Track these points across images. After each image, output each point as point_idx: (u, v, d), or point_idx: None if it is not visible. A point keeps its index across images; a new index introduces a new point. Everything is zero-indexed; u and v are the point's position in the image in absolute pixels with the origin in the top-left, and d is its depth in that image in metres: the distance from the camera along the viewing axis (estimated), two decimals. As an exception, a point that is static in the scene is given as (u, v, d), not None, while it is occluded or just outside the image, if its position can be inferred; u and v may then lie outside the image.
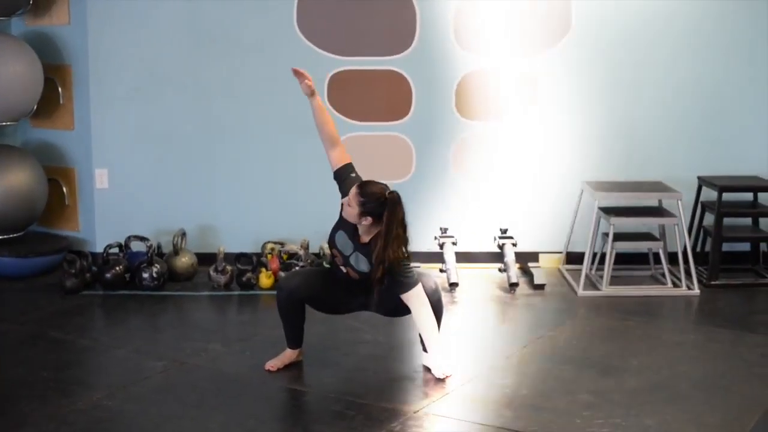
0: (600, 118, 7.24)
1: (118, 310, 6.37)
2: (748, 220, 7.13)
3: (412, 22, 7.06)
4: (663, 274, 6.88)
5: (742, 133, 7.25)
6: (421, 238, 7.02)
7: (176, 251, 6.87)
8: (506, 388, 5.01)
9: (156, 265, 6.66)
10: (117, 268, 6.66)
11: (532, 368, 5.32)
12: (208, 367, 5.28)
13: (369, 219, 4.90)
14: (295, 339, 5.25)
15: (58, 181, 7.27)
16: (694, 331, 6.02)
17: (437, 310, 5.17)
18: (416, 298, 5.04)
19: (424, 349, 5.26)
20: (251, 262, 6.82)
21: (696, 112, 7.21)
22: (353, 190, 4.87)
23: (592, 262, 7.07)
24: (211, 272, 6.73)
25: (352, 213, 4.92)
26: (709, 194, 7.04)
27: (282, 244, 7.02)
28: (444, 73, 7.16)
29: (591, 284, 6.77)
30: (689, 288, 6.69)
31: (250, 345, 5.65)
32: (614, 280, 6.72)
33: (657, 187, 6.95)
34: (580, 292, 6.65)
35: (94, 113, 7.13)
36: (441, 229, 7.06)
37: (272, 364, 5.25)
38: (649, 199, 6.97)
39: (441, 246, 6.95)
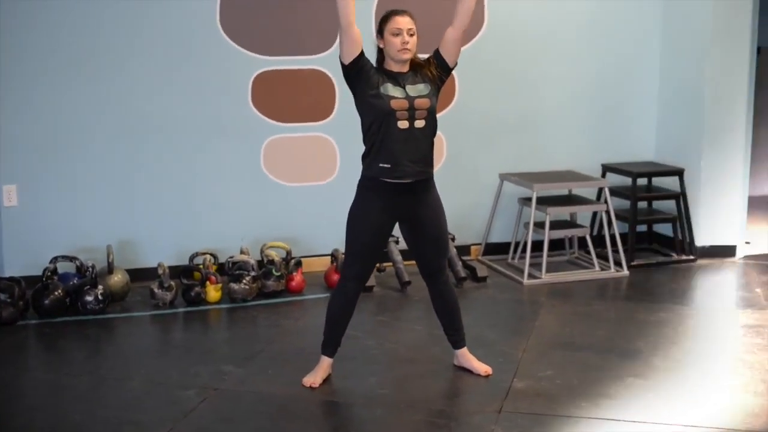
0: (511, 112, 7.47)
1: (78, 339, 5.83)
2: (644, 204, 7.57)
3: (335, 19, 6.91)
4: (587, 259, 7.26)
5: (633, 122, 7.72)
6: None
7: (110, 269, 6.37)
8: (555, 379, 5.11)
9: (99, 286, 6.15)
10: (56, 293, 6.09)
11: (558, 358, 5.44)
12: (244, 391, 4.97)
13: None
14: (337, 344, 5.06)
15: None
16: (658, 309, 6.33)
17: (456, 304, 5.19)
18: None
19: (456, 346, 5.23)
20: (190, 275, 6.46)
21: (595, 104, 7.63)
22: (397, 21, 4.74)
23: (515, 251, 7.29)
24: (155, 289, 6.31)
25: (407, 41, 4.74)
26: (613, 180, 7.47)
27: (213, 254, 6.69)
28: (366, 72, 7.07)
29: (521, 272, 6.96)
30: (618, 270, 7.03)
31: (264, 362, 5.39)
32: (539, 267, 6.93)
33: (576, 176, 7.27)
34: (525, 281, 6.83)
35: (-5, 124, 6.43)
36: (378, 228, 6.98)
37: (313, 380, 5.03)
38: (576, 188, 7.25)
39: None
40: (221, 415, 4.70)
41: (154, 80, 6.64)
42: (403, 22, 4.68)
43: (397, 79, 4.75)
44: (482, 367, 5.19)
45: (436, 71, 4.83)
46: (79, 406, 4.76)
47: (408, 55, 4.73)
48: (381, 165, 4.76)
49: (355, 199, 4.97)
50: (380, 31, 4.75)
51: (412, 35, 4.71)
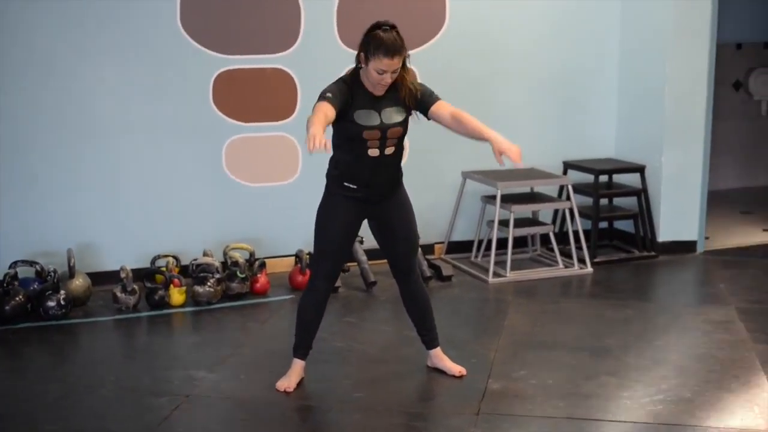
0: (472, 110, 7.37)
1: (42, 346, 5.72)
2: (605, 200, 7.60)
3: (297, 18, 6.87)
4: (550, 257, 7.29)
5: (593, 119, 7.75)
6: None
7: (71, 274, 6.25)
8: (530, 379, 5.10)
9: (62, 291, 6.03)
10: (17, 299, 5.95)
11: (531, 357, 5.44)
12: (217, 397, 4.90)
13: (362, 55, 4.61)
14: (309, 346, 5.00)
15: None
16: (625, 306, 6.36)
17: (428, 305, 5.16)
18: (448, 105, 4.84)
19: (429, 346, 5.20)
20: (153, 278, 6.36)
21: (556, 102, 7.65)
22: (384, 62, 4.51)
23: (478, 250, 7.28)
24: (118, 293, 6.20)
25: (387, 82, 4.61)
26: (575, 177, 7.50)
27: (176, 257, 6.59)
28: (328, 71, 6.98)
29: (485, 271, 6.95)
30: (581, 267, 7.05)
31: (235, 367, 5.30)
32: (503, 265, 6.93)
33: (539, 174, 7.28)
34: (491, 279, 6.82)
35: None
36: (342, 228, 6.92)
37: (287, 385, 4.97)
38: (539, 186, 7.26)
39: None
40: (196, 423, 4.63)
41: (114, 80, 6.51)
42: (390, 65, 4.51)
43: (374, 102, 4.66)
44: (456, 368, 5.16)
45: (413, 104, 4.75)
46: (50, 415, 4.64)
47: (382, 92, 4.67)
48: (348, 185, 4.76)
49: (323, 199, 4.93)
50: (366, 54, 4.55)
51: (394, 73, 4.59)
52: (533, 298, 6.52)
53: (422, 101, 4.74)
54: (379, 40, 4.50)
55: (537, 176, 7.20)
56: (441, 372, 5.17)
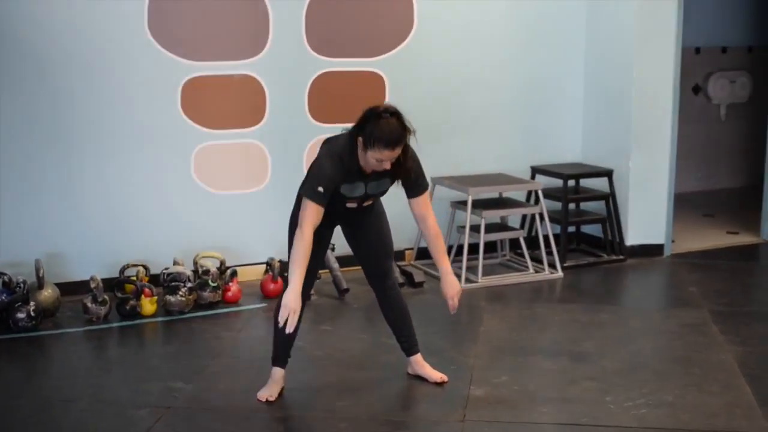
0: (440, 116, 7.45)
1: (14, 358, 5.59)
2: (572, 205, 7.62)
3: (265, 24, 6.82)
4: (519, 262, 7.32)
5: (560, 124, 7.78)
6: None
7: (40, 284, 6.13)
8: (512, 385, 5.09)
9: (31, 302, 5.91)
10: (-14, 311, 5.83)
11: (510, 363, 5.43)
12: (198, 408, 4.83)
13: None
14: (287, 355, 4.94)
15: None
16: (598, 310, 6.37)
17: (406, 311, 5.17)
18: (430, 204, 4.85)
19: (409, 353, 5.17)
20: (123, 288, 6.27)
21: (523, 107, 7.67)
22: (384, 153, 4.45)
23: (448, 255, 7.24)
24: (88, 304, 6.09)
25: (386, 168, 4.56)
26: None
27: (145, 266, 6.50)
28: (297, 77, 7.00)
29: (457, 277, 6.89)
30: (552, 272, 7.07)
31: (213, 377, 5.23)
32: (474, 271, 6.93)
33: (509, 179, 7.30)
34: (463, 285, 6.79)
35: None
36: (314, 235, 6.87)
37: (269, 394, 4.92)
38: (510, 191, 7.26)
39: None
40: (180, 435, 4.55)
41: (81, 87, 6.41)
42: (391, 155, 4.45)
43: (363, 175, 4.61)
44: (437, 375, 5.14)
45: (402, 181, 4.73)
46: (27, 431, 4.53)
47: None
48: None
49: (295, 207, 4.86)
50: (364, 141, 4.43)
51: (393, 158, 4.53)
52: (507, 303, 6.52)
53: (411, 187, 4.73)
54: (379, 131, 4.39)
55: (507, 181, 7.20)
56: (422, 379, 5.14)
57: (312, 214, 4.47)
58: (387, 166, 4.51)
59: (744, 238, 8.09)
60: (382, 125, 4.40)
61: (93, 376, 5.29)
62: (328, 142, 4.68)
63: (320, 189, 4.48)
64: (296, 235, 4.49)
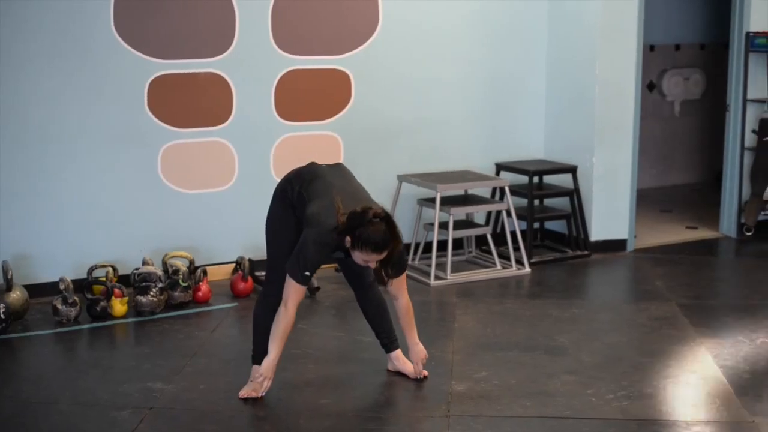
0: (406, 114, 7.47)
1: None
2: (537, 201, 7.68)
3: (232, 22, 6.78)
4: (486, 258, 7.36)
5: (524, 121, 7.83)
6: (261, 244, 6.83)
7: (9, 286, 6.03)
8: (492, 380, 5.12)
9: (1, 304, 5.82)
10: (-45, 314, 5.72)
11: (488, 358, 5.46)
12: (181, 409, 4.79)
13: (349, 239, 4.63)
14: (267, 352, 4.87)
15: None
16: (569, 305, 6.45)
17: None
18: (405, 285, 4.98)
19: (389, 349, 5.18)
20: (90, 289, 6.21)
21: (487, 104, 7.71)
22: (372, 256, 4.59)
23: (415, 252, 7.28)
24: (59, 305, 6.01)
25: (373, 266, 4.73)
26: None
27: (113, 266, 6.42)
28: (263, 75, 6.97)
29: (425, 273, 6.96)
30: (519, 268, 7.12)
31: (192, 377, 5.18)
32: (442, 268, 6.94)
33: (476, 176, 7.34)
34: (432, 282, 6.84)
35: None
36: (280, 234, 6.85)
37: (251, 391, 4.88)
38: (478, 188, 7.30)
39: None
40: (165, 435, 4.50)
41: (47, 86, 6.32)
42: (376, 258, 4.57)
43: (345, 250, 4.70)
44: (418, 370, 5.14)
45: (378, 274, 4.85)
46: (10, 434, 4.47)
47: None
48: None
49: (270, 209, 4.91)
50: (353, 239, 4.53)
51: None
52: (477, 299, 6.55)
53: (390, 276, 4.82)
54: (367, 236, 4.50)
55: (474, 178, 7.23)
56: (402, 375, 5.15)
57: (298, 292, 4.64)
58: (372, 265, 4.65)
59: (703, 233, 8.21)
60: (371, 231, 4.50)
61: (70, 378, 5.22)
62: (318, 224, 4.62)
63: (306, 273, 4.60)
64: (280, 311, 4.66)
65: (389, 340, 5.19)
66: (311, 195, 4.71)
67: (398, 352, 5.20)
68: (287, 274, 4.62)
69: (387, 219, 4.61)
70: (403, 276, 4.92)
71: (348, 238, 4.57)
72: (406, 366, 5.17)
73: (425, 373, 5.12)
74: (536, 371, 5.24)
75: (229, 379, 5.07)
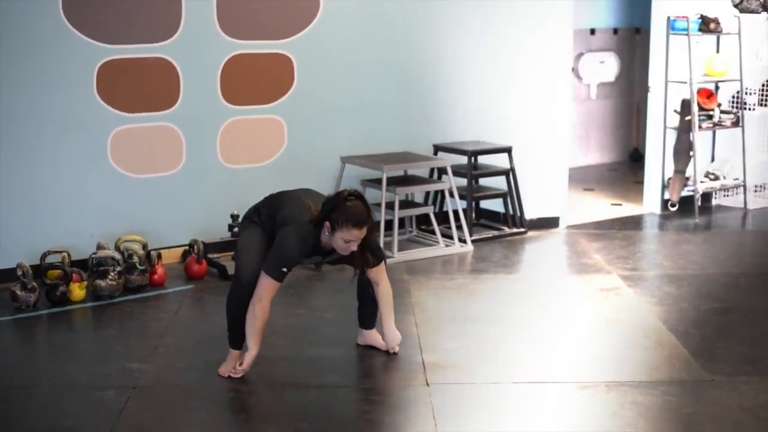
0: (346, 97, 7.60)
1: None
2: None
3: (178, 7, 6.82)
4: (428, 237, 7.57)
5: (460, 102, 8.04)
6: (212, 227, 6.94)
7: (-36, 274, 5.99)
8: (461, 350, 5.32)
9: (-41, 292, 5.78)
10: None
11: (452, 330, 5.65)
12: (165, 386, 4.87)
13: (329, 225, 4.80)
14: (243, 337, 4.97)
15: None
16: (516, 279, 6.77)
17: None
18: (385, 272, 5.15)
19: (368, 327, 5.33)
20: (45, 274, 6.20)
21: (424, 87, 7.89)
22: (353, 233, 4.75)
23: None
24: (18, 291, 5.99)
25: (353, 250, 4.85)
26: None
27: (66, 252, 6.42)
28: (209, 59, 7.03)
29: (372, 253, 7.10)
30: (462, 245, 7.34)
31: (166, 357, 5.25)
32: (388, 246, 7.09)
33: (417, 157, 7.52)
34: (381, 260, 6.97)
35: None
36: (232, 216, 6.94)
37: (230, 368, 4.97)
38: (420, 168, 7.48)
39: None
40: (155, 412, 4.58)
41: (-6, 72, 6.27)
42: (358, 235, 4.73)
43: (323, 253, 4.93)
44: (393, 343, 5.28)
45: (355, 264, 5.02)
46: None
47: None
48: None
49: (240, 235, 5.11)
50: (332, 224, 4.72)
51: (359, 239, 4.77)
52: (428, 275, 6.74)
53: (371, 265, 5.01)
54: (347, 212, 4.68)
55: (415, 159, 7.41)
56: (373, 349, 5.30)
57: (272, 289, 4.79)
58: (354, 247, 4.78)
59: (628, 209, 8.56)
60: (349, 208, 4.70)
61: (44, 362, 5.25)
62: (293, 221, 4.79)
63: (284, 269, 4.76)
64: (256, 307, 4.77)
65: (371, 320, 5.35)
66: (280, 206, 4.89)
67: (373, 331, 5.34)
68: (263, 272, 4.74)
69: (361, 197, 4.79)
70: (383, 265, 5.10)
71: (327, 224, 4.72)
72: (380, 340, 5.30)
73: (396, 350, 5.27)
74: (500, 341, 5.45)
75: (203, 358, 5.15)
